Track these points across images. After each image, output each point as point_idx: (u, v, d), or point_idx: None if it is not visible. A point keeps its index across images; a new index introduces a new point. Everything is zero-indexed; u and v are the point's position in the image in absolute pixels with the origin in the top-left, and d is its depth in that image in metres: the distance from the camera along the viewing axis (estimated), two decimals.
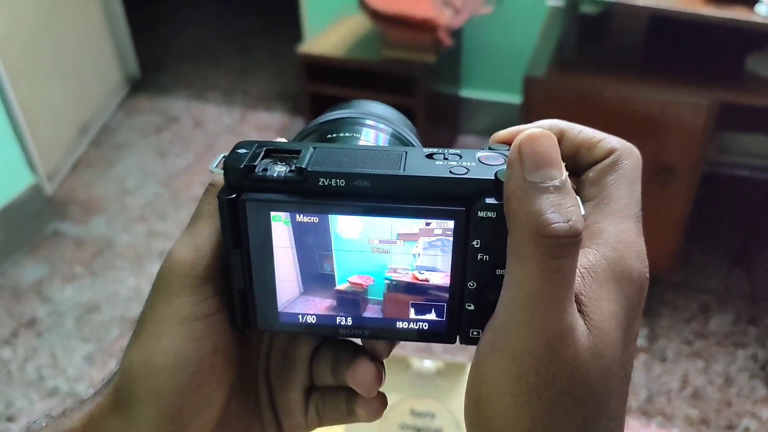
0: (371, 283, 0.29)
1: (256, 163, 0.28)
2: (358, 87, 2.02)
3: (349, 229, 0.27)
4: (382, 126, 0.36)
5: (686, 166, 1.49)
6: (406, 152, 0.28)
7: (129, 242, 2.03)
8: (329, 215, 0.27)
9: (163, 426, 0.28)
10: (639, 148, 0.31)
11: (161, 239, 2.03)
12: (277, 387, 0.34)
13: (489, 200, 0.26)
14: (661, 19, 1.56)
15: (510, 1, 2.11)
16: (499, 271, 0.27)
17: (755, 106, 1.45)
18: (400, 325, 0.29)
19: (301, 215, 0.27)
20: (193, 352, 0.28)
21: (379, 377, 0.32)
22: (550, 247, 0.23)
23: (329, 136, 0.34)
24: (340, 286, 0.29)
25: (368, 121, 0.36)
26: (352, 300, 0.29)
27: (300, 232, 0.28)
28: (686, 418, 1.48)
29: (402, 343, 0.32)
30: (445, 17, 1.85)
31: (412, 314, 0.29)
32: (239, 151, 0.28)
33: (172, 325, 0.28)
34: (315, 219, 0.27)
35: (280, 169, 0.27)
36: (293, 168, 0.27)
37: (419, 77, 1.93)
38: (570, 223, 0.23)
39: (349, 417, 0.34)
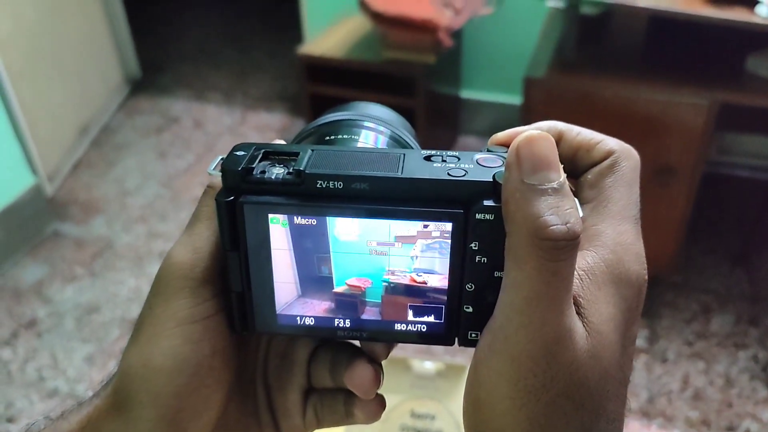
0: (369, 286, 0.29)
1: (254, 166, 0.27)
2: (359, 88, 2.02)
3: (347, 232, 0.27)
4: (380, 128, 0.36)
5: (686, 166, 1.49)
6: (404, 154, 0.28)
7: (129, 243, 2.03)
8: (327, 217, 0.27)
9: (161, 428, 0.28)
10: (639, 148, 0.31)
11: (161, 240, 2.03)
12: (275, 389, 0.34)
13: (487, 202, 0.26)
14: (661, 20, 1.55)
15: (510, 2, 2.11)
16: (497, 274, 0.27)
17: (755, 107, 1.45)
18: (398, 327, 0.29)
19: (299, 217, 0.27)
20: (191, 355, 0.28)
21: (377, 379, 0.32)
22: (548, 250, 0.23)
23: (327, 138, 0.34)
24: (338, 289, 0.29)
25: (367, 123, 0.36)
26: (350, 302, 0.29)
27: (298, 235, 0.28)
28: (687, 420, 1.48)
29: (401, 344, 0.32)
30: (445, 18, 1.85)
31: (411, 316, 0.29)
32: (237, 153, 0.28)
33: (171, 327, 0.28)
34: (313, 221, 0.27)
35: (278, 172, 0.27)
36: (291, 170, 0.27)
37: (419, 78, 1.93)
38: (568, 225, 0.23)
39: (347, 419, 0.34)
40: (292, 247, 0.28)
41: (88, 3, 2.50)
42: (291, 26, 2.79)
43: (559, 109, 1.51)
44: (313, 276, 0.29)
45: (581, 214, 0.25)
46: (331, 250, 0.28)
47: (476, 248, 0.27)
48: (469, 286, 0.28)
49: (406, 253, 0.28)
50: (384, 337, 0.30)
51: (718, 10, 1.33)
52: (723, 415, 1.49)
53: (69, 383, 1.59)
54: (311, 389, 0.34)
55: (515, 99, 2.11)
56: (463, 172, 0.27)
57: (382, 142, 0.35)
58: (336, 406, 0.34)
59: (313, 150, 0.28)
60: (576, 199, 0.25)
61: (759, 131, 1.70)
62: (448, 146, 2.34)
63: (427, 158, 0.28)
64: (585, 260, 0.26)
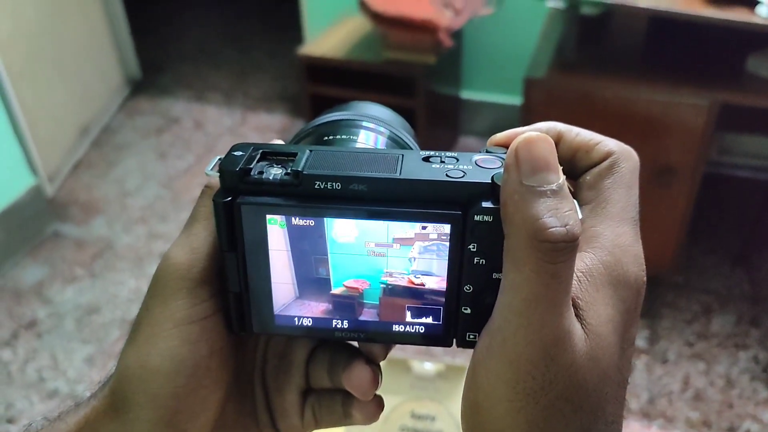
0: (367, 287, 0.29)
1: (251, 166, 0.27)
2: (359, 88, 2.02)
3: (344, 233, 0.27)
4: (379, 128, 0.36)
5: (687, 166, 1.49)
6: (403, 155, 0.28)
7: (129, 244, 2.03)
8: (325, 218, 0.27)
9: (159, 429, 0.28)
10: (639, 148, 0.31)
11: (161, 241, 2.03)
12: (274, 389, 0.34)
13: (485, 204, 0.26)
14: (661, 20, 1.55)
15: (510, 3, 2.10)
16: (495, 275, 0.27)
17: (756, 107, 1.44)
18: (396, 328, 0.29)
19: (297, 218, 0.27)
20: (188, 355, 0.28)
21: (376, 380, 0.32)
22: (547, 252, 0.23)
23: (326, 138, 0.34)
24: (336, 290, 0.29)
25: (365, 124, 0.36)
26: (347, 304, 0.29)
27: (296, 236, 0.28)
28: (687, 420, 1.48)
29: (401, 345, 0.32)
30: (445, 18, 1.85)
31: (409, 317, 0.29)
32: (235, 153, 0.28)
33: (168, 328, 0.28)
34: (311, 222, 0.27)
35: (276, 172, 0.27)
36: (289, 171, 0.27)
37: (419, 78, 1.93)
38: (567, 227, 0.23)
39: (345, 420, 0.34)
40: (289, 248, 0.28)
41: (88, 4, 2.50)
42: (291, 26, 2.79)
43: (559, 110, 1.51)
44: (311, 277, 0.29)
45: (580, 216, 0.25)
46: (328, 251, 0.28)
47: (474, 250, 0.27)
48: (468, 288, 0.28)
49: (404, 254, 0.28)
50: (382, 338, 0.30)
51: (719, 11, 1.33)
52: (724, 415, 1.49)
53: (69, 384, 1.59)
54: (309, 390, 0.34)
55: (515, 99, 2.11)
56: (462, 174, 0.26)
57: (380, 142, 0.35)
58: (334, 407, 0.34)
59: (311, 150, 0.28)
60: (575, 201, 0.25)
61: (759, 131, 1.70)
62: (448, 147, 2.33)
63: (426, 159, 0.28)
64: (583, 262, 0.26)
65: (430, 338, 0.29)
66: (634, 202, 0.29)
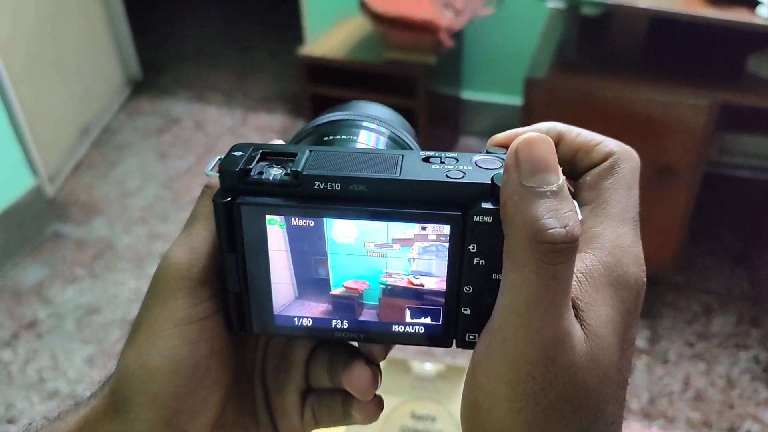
0: (366, 288, 0.29)
1: (251, 166, 0.27)
2: (359, 88, 2.02)
3: (344, 233, 0.27)
4: (380, 128, 0.36)
5: (687, 166, 1.49)
6: (403, 156, 0.28)
7: (130, 244, 2.03)
8: (324, 219, 0.27)
9: (158, 429, 0.28)
10: (639, 148, 0.31)
11: (162, 241, 2.03)
12: (273, 390, 0.34)
13: (485, 205, 0.26)
14: (661, 21, 1.55)
15: (510, 3, 2.10)
16: (495, 276, 0.27)
17: (756, 107, 1.44)
18: (396, 328, 0.29)
19: (297, 219, 0.27)
20: (188, 355, 0.28)
21: (375, 380, 0.32)
22: (546, 253, 0.23)
23: (326, 138, 0.34)
24: (335, 291, 0.29)
25: (365, 124, 0.36)
26: (347, 305, 0.29)
27: (295, 236, 0.28)
28: (688, 421, 1.48)
29: (401, 346, 0.32)
30: (445, 19, 1.85)
31: (408, 318, 0.29)
32: (235, 153, 0.28)
33: (168, 328, 0.28)
34: (310, 223, 0.27)
35: (275, 173, 0.27)
36: (289, 171, 0.27)
37: (420, 79, 1.93)
38: (567, 228, 0.23)
39: (345, 420, 0.34)
40: (289, 249, 0.28)
41: (88, 4, 2.50)
42: (291, 27, 2.79)
43: (559, 110, 1.51)
44: (311, 278, 0.29)
45: (580, 217, 0.24)
46: (328, 252, 0.28)
47: (474, 250, 0.27)
48: (467, 288, 0.28)
49: (403, 255, 0.28)
50: (382, 338, 0.30)
51: (719, 11, 1.33)
52: (724, 416, 1.49)
53: (69, 384, 1.59)
54: (309, 390, 0.34)
55: (516, 100, 2.11)
56: (462, 174, 0.26)
57: (381, 142, 0.35)
58: (334, 407, 0.34)
59: (311, 151, 0.28)
60: (575, 202, 0.25)
61: (759, 132, 1.70)
62: (449, 147, 2.33)
63: (426, 159, 0.28)
64: (583, 262, 0.26)
65: (430, 338, 0.29)
66: (635, 203, 0.29)
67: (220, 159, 0.28)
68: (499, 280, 0.25)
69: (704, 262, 1.89)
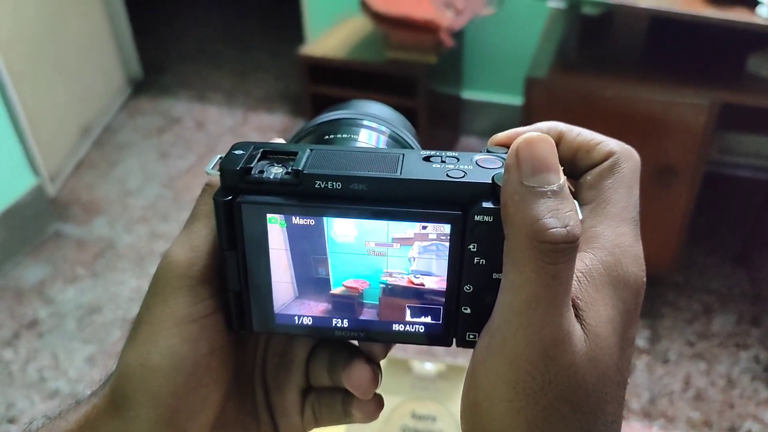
0: (366, 287, 0.29)
1: (252, 165, 0.27)
2: (360, 88, 2.02)
3: (344, 233, 0.27)
4: (381, 127, 0.36)
5: (687, 166, 1.49)
6: (403, 155, 0.28)
7: (131, 243, 2.03)
8: (325, 218, 0.27)
9: (159, 427, 0.28)
10: (640, 148, 0.31)
11: (163, 240, 2.03)
12: (274, 388, 0.34)
13: (486, 204, 0.26)
14: (662, 20, 1.55)
15: (511, 3, 2.10)
16: (495, 275, 0.27)
17: (756, 107, 1.44)
18: (396, 327, 0.29)
19: (297, 218, 0.27)
20: (189, 354, 0.28)
21: (375, 379, 0.32)
22: (547, 253, 0.23)
23: (327, 137, 0.34)
24: (335, 290, 0.29)
25: (366, 122, 0.36)
26: (347, 304, 0.29)
27: (296, 235, 0.28)
28: (688, 420, 1.48)
29: (403, 345, 0.32)
30: (446, 18, 1.85)
31: (408, 317, 0.29)
32: (236, 152, 0.28)
33: (168, 327, 0.28)
34: (311, 222, 0.27)
35: (276, 171, 0.27)
36: (290, 170, 0.27)
37: (421, 78, 1.93)
38: (567, 228, 0.23)
39: (345, 418, 0.34)
40: (289, 248, 0.28)
41: (89, 4, 2.50)
42: (292, 26, 2.79)
43: (560, 110, 1.51)
44: (310, 277, 0.29)
45: (580, 216, 0.25)
46: (328, 251, 0.28)
47: (474, 250, 0.27)
48: (468, 288, 0.28)
49: (403, 254, 0.28)
50: (382, 337, 0.30)
51: (719, 11, 1.33)
52: (725, 415, 1.49)
53: (70, 384, 1.60)
54: (309, 388, 0.34)
55: (516, 99, 2.11)
56: (462, 174, 0.26)
57: (381, 141, 0.35)
58: (334, 406, 0.34)
59: (311, 149, 0.28)
60: (576, 202, 0.25)
61: (760, 131, 1.70)
62: (449, 147, 2.33)
63: (426, 159, 0.28)
64: (583, 262, 0.26)
65: (430, 338, 0.29)
66: (635, 203, 0.29)
67: (220, 158, 0.28)
68: (499, 280, 0.25)
69: (704, 261, 1.89)
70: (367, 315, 0.29)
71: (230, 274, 0.29)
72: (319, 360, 0.33)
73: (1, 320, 1.76)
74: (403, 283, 0.28)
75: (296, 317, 0.30)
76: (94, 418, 0.29)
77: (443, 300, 0.28)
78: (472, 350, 0.27)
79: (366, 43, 2.09)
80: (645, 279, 0.27)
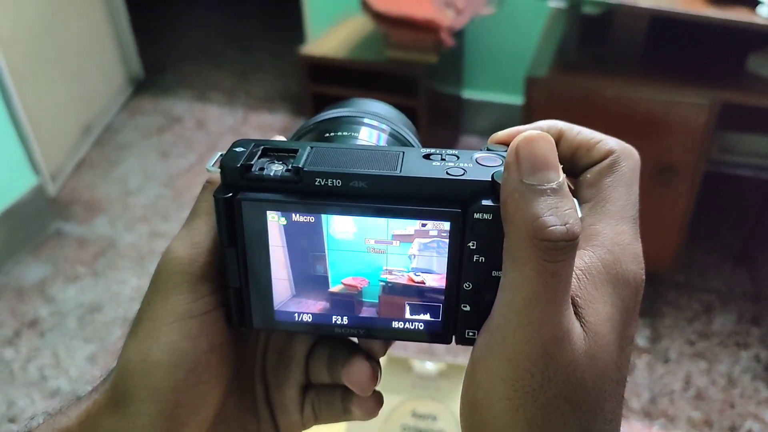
0: (366, 285, 0.29)
1: (252, 162, 0.28)
2: (361, 88, 2.02)
3: (344, 230, 0.27)
4: (381, 125, 0.36)
5: (688, 165, 1.49)
6: (404, 152, 0.28)
7: (131, 242, 2.03)
8: (325, 215, 0.27)
9: (159, 423, 0.28)
10: (640, 147, 0.31)
11: (163, 240, 2.04)
12: (274, 385, 0.34)
13: (485, 202, 0.26)
14: (662, 20, 1.55)
15: (512, 2, 2.10)
16: (495, 273, 0.27)
17: (756, 106, 1.44)
18: (395, 324, 0.29)
19: (297, 215, 0.27)
20: (189, 350, 0.28)
21: (375, 376, 0.32)
22: (547, 251, 0.23)
23: (327, 134, 0.34)
24: (334, 288, 0.29)
25: (367, 120, 0.36)
26: (346, 302, 0.29)
27: (296, 233, 0.28)
28: (689, 420, 1.48)
29: (403, 344, 0.32)
30: (447, 18, 1.85)
31: (408, 314, 0.29)
32: (236, 149, 0.28)
33: (169, 323, 0.28)
34: (311, 219, 0.27)
35: (276, 169, 0.27)
36: (290, 167, 0.27)
37: (421, 78, 1.93)
38: (567, 226, 0.23)
39: (344, 415, 0.34)
40: (289, 245, 0.28)
41: (90, 3, 2.51)
42: (293, 26, 2.79)
43: (560, 109, 1.51)
44: (309, 275, 0.29)
45: (580, 214, 0.25)
46: (328, 248, 0.28)
47: (474, 247, 0.27)
48: (467, 285, 0.28)
49: (403, 251, 0.28)
50: (382, 334, 0.30)
51: (720, 11, 1.33)
52: (725, 415, 1.49)
53: (71, 383, 1.60)
54: (309, 385, 0.34)
55: (517, 99, 2.11)
56: (462, 171, 0.26)
57: (382, 139, 0.35)
58: (333, 403, 0.34)
59: (312, 147, 0.28)
60: (575, 200, 0.25)
61: (760, 131, 1.70)
62: (450, 146, 2.33)
63: (426, 156, 0.28)
64: (582, 260, 0.26)
65: (430, 335, 0.29)
66: (634, 201, 0.29)
67: (221, 155, 0.28)
68: (498, 278, 0.25)
69: (705, 260, 1.89)
70: (366, 312, 0.29)
71: (230, 270, 0.29)
72: (319, 357, 0.33)
73: (2, 319, 1.76)
74: (403, 280, 0.28)
75: (296, 314, 0.30)
76: (95, 414, 0.29)
77: (443, 298, 0.28)
78: (471, 348, 0.27)
79: (366, 42, 2.09)
80: (644, 277, 0.27)
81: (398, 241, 0.27)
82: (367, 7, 1.89)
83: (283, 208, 0.27)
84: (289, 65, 2.93)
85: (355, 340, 0.33)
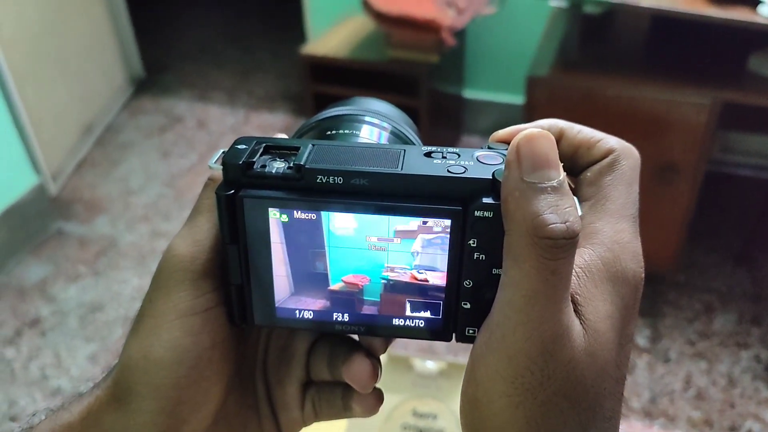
0: (367, 283, 0.29)
1: (254, 160, 0.28)
2: (362, 87, 2.02)
3: (344, 227, 0.27)
4: (382, 123, 0.36)
5: (689, 165, 1.49)
6: (405, 150, 0.28)
7: (133, 242, 2.03)
8: (326, 212, 0.27)
9: (160, 420, 0.29)
10: (642, 147, 0.31)
11: (165, 239, 2.04)
12: (274, 382, 0.35)
13: (486, 200, 0.26)
14: (663, 19, 1.55)
15: (513, 2, 2.10)
16: (495, 271, 0.27)
17: (757, 106, 1.44)
18: (396, 322, 0.30)
19: (299, 212, 0.27)
20: (191, 347, 0.28)
21: (375, 373, 0.32)
22: (547, 248, 0.23)
23: (329, 132, 0.34)
24: (334, 286, 0.29)
25: (368, 118, 0.36)
26: (346, 300, 0.29)
27: (297, 230, 0.28)
28: (689, 420, 1.48)
29: (404, 343, 0.32)
30: (448, 18, 1.85)
31: (409, 312, 0.29)
32: (238, 147, 0.28)
33: (171, 320, 0.28)
34: (312, 216, 0.27)
35: (278, 166, 0.28)
36: (292, 165, 0.27)
37: (422, 77, 1.93)
38: (567, 224, 0.23)
39: (345, 412, 0.34)
40: (290, 243, 0.28)
41: (91, 3, 2.51)
42: (294, 26, 2.79)
43: (562, 109, 1.51)
44: (309, 273, 0.29)
45: (580, 213, 0.25)
46: (329, 245, 0.28)
47: (475, 245, 0.27)
48: (467, 283, 0.28)
49: (406, 248, 0.28)
50: (382, 331, 0.30)
51: (721, 10, 1.33)
52: (725, 415, 1.49)
53: (72, 382, 1.60)
54: (310, 383, 0.35)
55: (518, 98, 2.11)
56: (463, 169, 0.27)
57: (383, 137, 0.35)
58: (334, 400, 0.34)
59: (313, 145, 0.28)
60: (575, 198, 0.25)
61: (761, 130, 1.70)
62: (451, 146, 2.33)
63: (427, 154, 0.28)
64: (582, 257, 0.26)
65: (430, 332, 0.30)
66: (634, 200, 0.29)
67: (223, 152, 0.28)
68: (498, 275, 0.26)
69: (706, 260, 1.88)
70: (367, 310, 0.29)
71: (232, 267, 0.29)
72: (320, 354, 0.33)
73: (3, 318, 1.77)
74: (406, 278, 0.28)
75: (297, 311, 0.30)
76: (97, 410, 0.29)
77: (443, 295, 0.28)
78: (471, 346, 0.27)
79: (367, 42, 2.09)
80: (643, 275, 0.27)
81: (399, 238, 0.27)
82: (368, 7, 1.89)
83: (284, 205, 0.27)
84: (290, 65, 2.93)
85: (356, 337, 0.33)
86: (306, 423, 0.35)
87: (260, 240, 0.28)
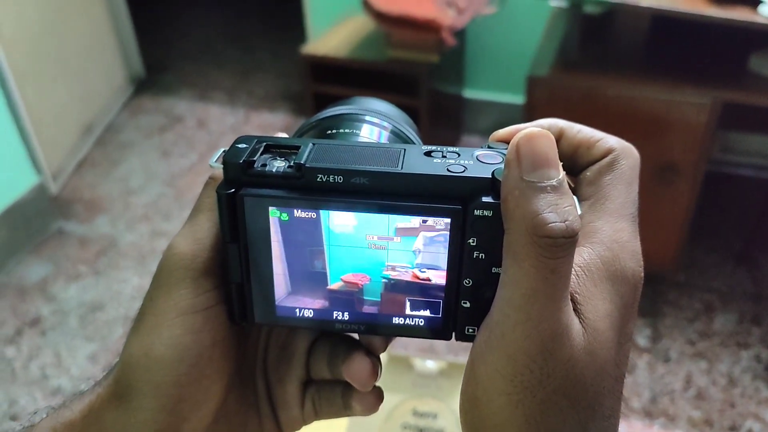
0: (367, 282, 0.29)
1: (255, 159, 0.28)
2: (362, 87, 2.02)
3: (344, 226, 0.28)
4: (382, 123, 0.36)
5: (689, 165, 1.49)
6: (405, 149, 0.28)
7: (133, 241, 2.03)
8: (326, 211, 0.27)
9: (161, 418, 0.29)
10: (642, 147, 0.31)
11: (165, 239, 2.04)
12: (275, 380, 0.35)
13: (486, 199, 0.26)
14: (663, 19, 1.55)
15: (513, 2, 2.10)
16: (495, 270, 0.27)
17: (758, 106, 1.44)
18: (396, 320, 0.30)
19: (299, 211, 0.27)
20: (192, 345, 0.29)
21: (375, 372, 0.32)
22: (546, 247, 0.23)
23: (329, 131, 0.34)
24: (333, 286, 0.29)
25: (368, 118, 0.36)
26: (345, 300, 0.29)
27: (297, 229, 0.28)
28: (689, 419, 1.48)
29: (404, 343, 0.32)
30: (448, 18, 1.85)
31: (408, 310, 0.29)
32: (239, 146, 0.28)
33: (172, 318, 0.28)
34: (312, 215, 0.27)
35: (279, 165, 0.28)
36: (292, 164, 0.27)
37: (422, 77, 1.93)
38: (567, 223, 0.23)
39: (344, 411, 0.34)
40: (290, 241, 0.28)
41: (92, 3, 2.51)
42: (294, 26, 2.79)
43: (562, 108, 1.51)
44: (308, 272, 0.29)
45: (579, 212, 0.25)
46: (329, 244, 0.28)
47: (474, 244, 0.27)
48: (467, 282, 0.28)
49: (407, 247, 0.28)
50: (382, 330, 0.30)
51: (721, 10, 1.33)
52: (726, 414, 1.49)
53: (72, 381, 1.60)
54: (310, 381, 0.35)
55: (518, 98, 2.11)
56: (463, 168, 0.27)
57: (383, 136, 0.35)
58: (334, 398, 0.34)
59: (314, 144, 0.28)
60: (575, 197, 0.25)
61: (761, 130, 1.70)
62: (451, 145, 2.33)
63: (428, 154, 0.28)
64: (581, 256, 0.26)
65: (430, 331, 0.30)
66: (634, 199, 0.29)
67: (224, 151, 0.29)
68: (498, 274, 0.26)
69: (706, 260, 1.88)
70: (367, 309, 0.29)
71: (232, 266, 0.29)
72: (320, 353, 0.34)
73: (3, 318, 1.77)
74: (407, 277, 0.28)
75: (297, 309, 0.30)
76: (98, 408, 0.29)
77: (443, 294, 0.28)
78: (471, 345, 0.27)
79: (368, 42, 2.09)
80: (643, 274, 0.27)
81: (400, 237, 0.27)
82: (368, 7, 1.90)
83: (285, 204, 0.27)
84: (290, 65, 2.93)
85: (356, 336, 0.33)
86: (306, 421, 0.35)
87: (261, 238, 0.28)
